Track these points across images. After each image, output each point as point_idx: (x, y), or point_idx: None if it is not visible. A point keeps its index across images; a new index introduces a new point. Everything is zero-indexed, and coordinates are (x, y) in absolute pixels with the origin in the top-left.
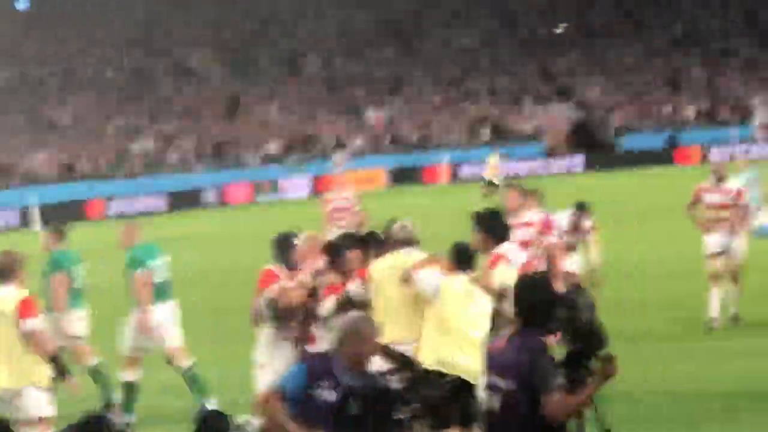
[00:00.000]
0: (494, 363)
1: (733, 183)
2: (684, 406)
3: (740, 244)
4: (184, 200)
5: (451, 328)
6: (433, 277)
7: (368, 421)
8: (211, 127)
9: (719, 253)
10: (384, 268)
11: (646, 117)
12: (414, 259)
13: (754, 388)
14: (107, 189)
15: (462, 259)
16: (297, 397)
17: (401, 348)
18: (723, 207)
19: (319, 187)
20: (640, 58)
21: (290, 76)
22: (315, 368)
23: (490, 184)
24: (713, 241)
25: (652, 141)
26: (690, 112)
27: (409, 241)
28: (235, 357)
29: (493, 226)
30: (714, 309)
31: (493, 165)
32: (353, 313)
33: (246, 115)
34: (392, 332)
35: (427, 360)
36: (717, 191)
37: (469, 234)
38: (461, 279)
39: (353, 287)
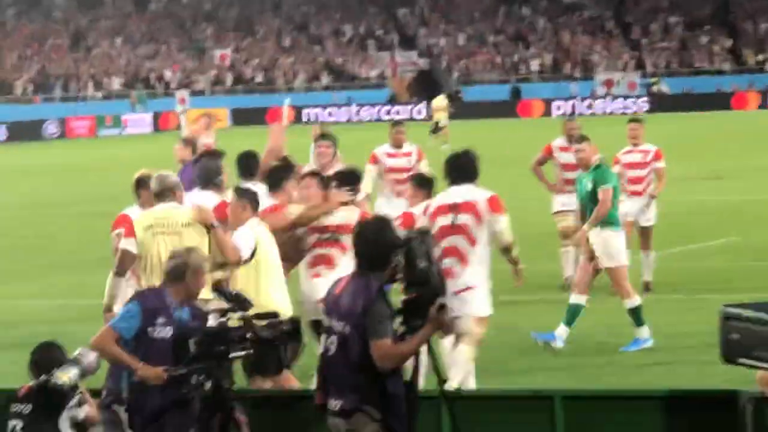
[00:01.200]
0: (332, 305)
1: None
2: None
3: None
4: (24, 131)
5: (272, 274)
6: (245, 237)
7: (207, 360)
8: (55, 60)
9: (569, 211)
10: (147, 225)
11: (490, 68)
12: (179, 212)
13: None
14: None
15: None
16: (133, 336)
17: None
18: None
19: (161, 124)
20: (487, 9)
21: (136, 12)
22: (149, 305)
23: (437, 126)
24: (562, 199)
25: (496, 92)
26: (534, 65)
27: (166, 193)
28: (64, 287)
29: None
30: (568, 268)
31: (440, 107)
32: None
33: (90, 49)
34: None
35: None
36: (572, 151)
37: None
38: (255, 223)
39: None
